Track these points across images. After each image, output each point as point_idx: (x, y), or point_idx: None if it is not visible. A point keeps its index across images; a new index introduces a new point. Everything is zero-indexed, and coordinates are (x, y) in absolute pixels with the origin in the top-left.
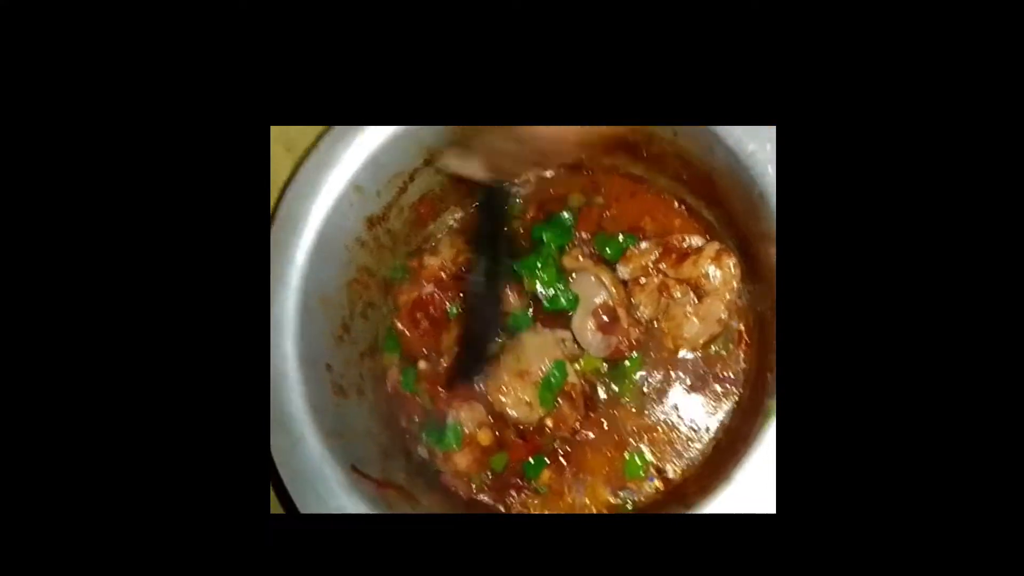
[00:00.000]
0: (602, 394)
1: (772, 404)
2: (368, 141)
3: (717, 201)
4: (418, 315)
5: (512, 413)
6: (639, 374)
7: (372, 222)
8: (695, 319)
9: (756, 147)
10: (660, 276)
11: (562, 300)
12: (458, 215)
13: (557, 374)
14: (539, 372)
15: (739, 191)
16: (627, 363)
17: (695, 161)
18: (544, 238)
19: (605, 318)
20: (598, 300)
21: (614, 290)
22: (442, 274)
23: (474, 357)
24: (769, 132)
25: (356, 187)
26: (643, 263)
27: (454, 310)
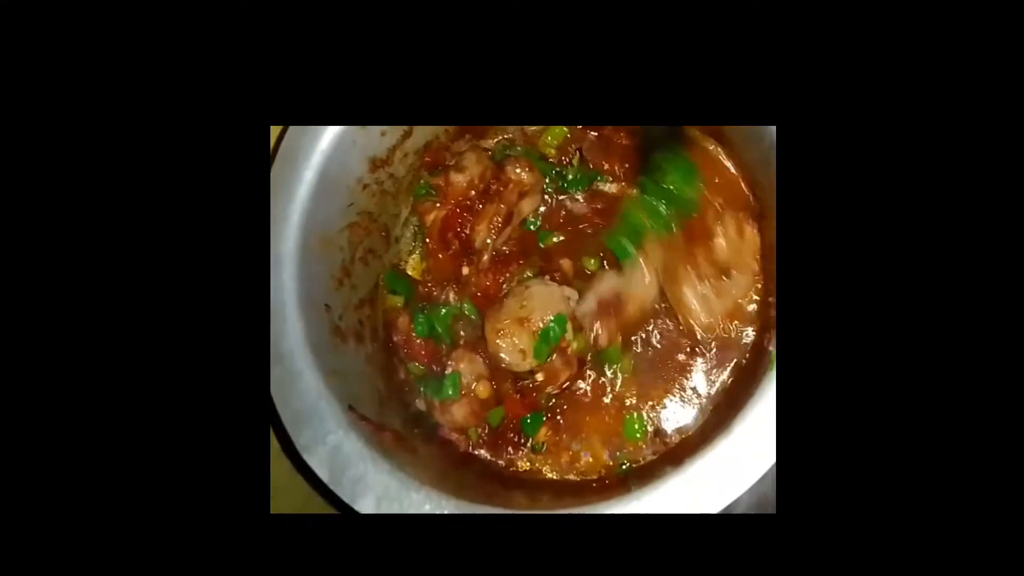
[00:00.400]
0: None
1: (773, 352)
2: None
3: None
4: (449, 235)
5: (504, 357)
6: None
7: (375, 164)
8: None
9: None
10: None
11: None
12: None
13: (556, 328)
14: (539, 323)
15: (752, 144)
16: (610, 351)
17: None
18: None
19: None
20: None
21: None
22: (472, 193)
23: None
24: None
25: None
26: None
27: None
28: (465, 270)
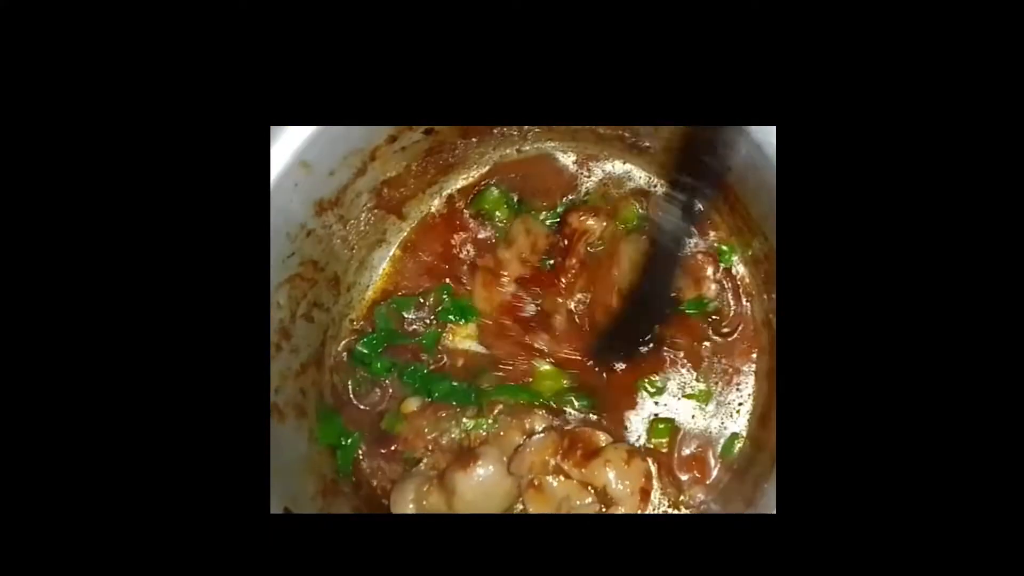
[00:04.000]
0: None
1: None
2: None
3: (731, 206)
4: (506, 321)
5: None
6: None
7: (322, 206)
8: None
9: None
10: (561, 477)
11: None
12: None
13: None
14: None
15: (763, 196)
16: None
17: None
18: None
19: None
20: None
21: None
22: (522, 269)
23: (630, 333)
24: None
25: (303, 163)
26: (542, 459)
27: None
28: (541, 344)
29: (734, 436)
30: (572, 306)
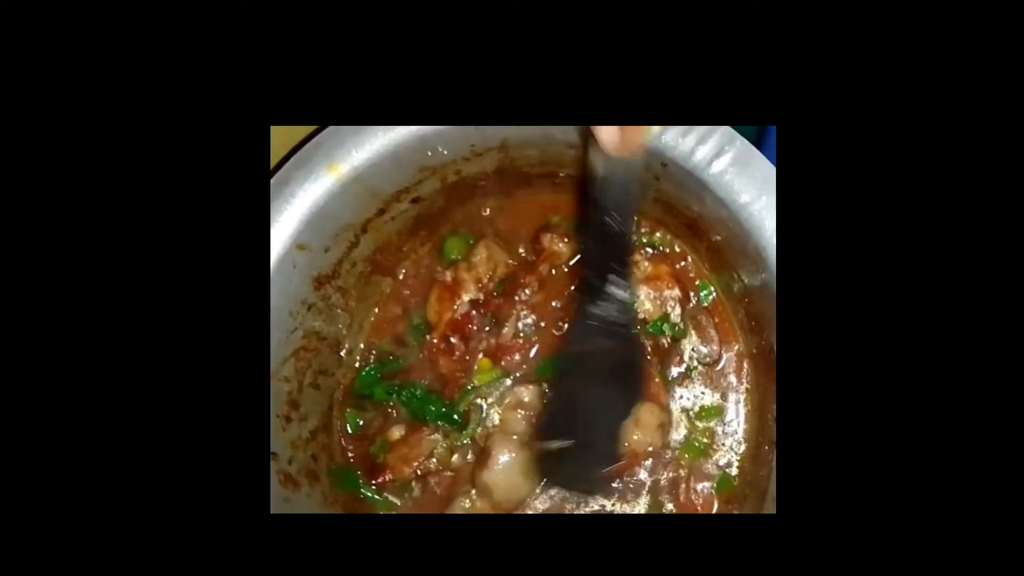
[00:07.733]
0: None
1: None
2: (310, 195)
3: (712, 248)
4: (453, 339)
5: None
6: None
7: (320, 281)
8: None
9: (750, 198)
10: None
11: None
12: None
13: None
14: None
15: (734, 243)
16: None
17: (679, 207)
18: None
19: None
20: None
21: None
22: (477, 292)
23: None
24: (766, 179)
25: (299, 246)
26: None
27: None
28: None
29: (727, 473)
30: (520, 324)
